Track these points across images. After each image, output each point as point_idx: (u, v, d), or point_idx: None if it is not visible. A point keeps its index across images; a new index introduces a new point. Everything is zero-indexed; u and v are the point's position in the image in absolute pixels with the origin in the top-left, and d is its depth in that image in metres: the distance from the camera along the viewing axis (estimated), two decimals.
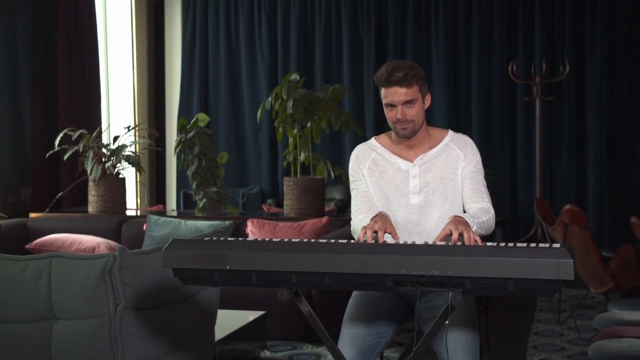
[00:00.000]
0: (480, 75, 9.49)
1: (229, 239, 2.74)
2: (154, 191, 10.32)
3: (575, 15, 9.28)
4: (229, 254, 2.61)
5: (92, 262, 3.25)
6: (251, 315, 5.03)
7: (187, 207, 9.44)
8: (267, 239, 2.73)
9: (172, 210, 9.70)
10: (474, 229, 2.85)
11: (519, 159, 9.51)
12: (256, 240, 2.71)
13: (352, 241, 2.70)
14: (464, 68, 9.59)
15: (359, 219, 3.11)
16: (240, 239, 2.74)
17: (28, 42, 7.58)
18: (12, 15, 7.54)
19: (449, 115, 9.49)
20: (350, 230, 3.24)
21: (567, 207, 5.75)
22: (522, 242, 2.53)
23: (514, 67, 9.17)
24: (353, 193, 3.23)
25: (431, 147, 3.18)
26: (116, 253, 3.25)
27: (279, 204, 8.96)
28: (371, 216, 3.04)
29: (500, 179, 9.41)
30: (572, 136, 9.32)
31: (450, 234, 2.73)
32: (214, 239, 2.73)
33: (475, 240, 2.69)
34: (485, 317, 3.27)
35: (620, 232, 8.98)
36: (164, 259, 2.67)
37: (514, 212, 9.53)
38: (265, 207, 8.19)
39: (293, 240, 2.68)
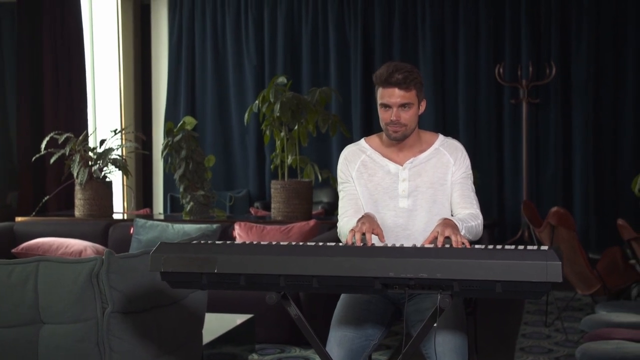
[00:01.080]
0: (466, 77, 9.51)
1: (217, 242, 2.72)
2: (141, 194, 10.30)
3: (561, 18, 9.31)
4: (217, 258, 2.60)
5: (80, 265, 3.23)
6: (239, 319, 5.01)
7: (174, 211, 9.42)
8: (255, 242, 2.72)
9: (159, 213, 9.68)
10: (462, 233, 2.86)
11: (506, 162, 9.53)
12: (244, 243, 2.70)
13: (340, 244, 2.70)
14: (451, 70, 9.61)
15: (345, 222, 3.11)
16: (228, 242, 2.73)
17: (13, 46, 7.55)
18: None
19: (436, 117, 9.51)
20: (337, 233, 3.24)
21: (554, 209, 5.77)
22: (510, 244, 2.52)
23: (501, 70, 9.19)
24: (341, 195, 3.23)
25: (421, 151, 3.17)
26: (103, 257, 3.24)
27: (267, 207, 8.95)
28: (357, 218, 3.04)
29: (487, 181, 9.43)
30: (559, 138, 9.35)
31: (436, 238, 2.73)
32: (202, 242, 2.72)
33: (463, 244, 2.69)
34: (474, 320, 3.28)
35: (606, 234, 9.01)
36: (151, 263, 2.66)
37: (501, 215, 9.55)
38: (252, 210, 8.18)
39: (281, 243, 2.68)
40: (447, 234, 2.71)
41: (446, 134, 3.31)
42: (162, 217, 7.76)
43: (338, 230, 3.19)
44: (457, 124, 9.55)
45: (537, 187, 9.43)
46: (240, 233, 6.09)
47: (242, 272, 2.60)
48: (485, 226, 9.07)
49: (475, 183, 3.30)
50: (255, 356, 5.21)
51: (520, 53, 9.41)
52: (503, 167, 9.56)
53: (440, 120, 9.55)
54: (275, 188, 6.60)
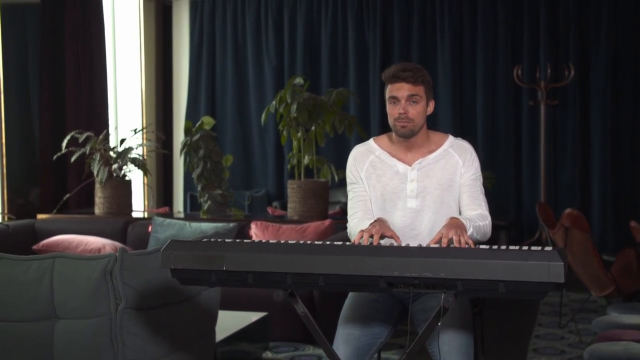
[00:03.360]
0: (485, 79, 9.52)
1: (227, 240, 2.78)
2: (162, 193, 10.39)
3: (580, 20, 9.30)
4: (226, 255, 2.66)
5: (94, 262, 3.30)
6: (253, 317, 5.07)
7: (193, 209, 9.50)
8: (264, 241, 2.77)
9: (179, 212, 9.77)
10: (469, 231, 2.89)
11: (524, 163, 9.53)
12: (253, 241, 2.76)
13: (348, 243, 2.74)
14: (469, 72, 9.63)
15: (355, 223, 3.15)
16: (237, 240, 2.78)
17: (37, 46, 7.66)
18: (22, 20, 7.64)
19: (454, 118, 9.52)
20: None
21: (568, 211, 5.78)
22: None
23: (519, 72, 9.19)
24: (350, 195, 3.26)
25: (430, 152, 3.19)
26: (117, 254, 3.30)
27: (285, 207, 9.01)
28: (367, 219, 3.09)
29: (504, 183, 9.43)
30: (577, 140, 9.34)
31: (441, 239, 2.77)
32: (212, 240, 2.78)
33: (467, 244, 2.73)
34: (481, 320, 3.31)
35: (624, 237, 8.98)
36: (162, 260, 2.72)
37: (518, 216, 9.54)
38: (270, 210, 8.24)
39: (289, 241, 2.72)
40: (451, 235, 2.75)
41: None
42: (181, 215, 7.84)
43: (348, 231, 3.22)
44: (475, 125, 9.56)
45: (554, 189, 9.42)
46: (256, 232, 6.15)
47: (250, 270, 2.65)
48: (502, 227, 9.15)
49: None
50: (269, 354, 5.26)
51: (538, 55, 9.41)
52: (521, 169, 9.56)
53: (458, 122, 9.56)
54: (292, 188, 6.66)
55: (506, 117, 9.53)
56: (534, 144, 9.41)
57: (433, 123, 9.40)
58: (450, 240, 2.75)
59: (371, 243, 2.83)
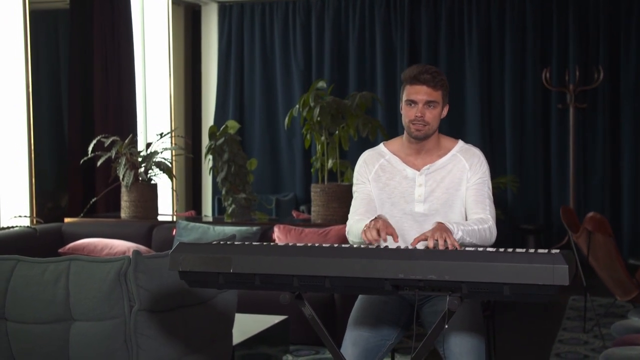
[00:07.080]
0: (513, 82, 9.46)
1: (235, 243, 2.80)
2: (190, 197, 10.47)
3: (609, 22, 9.21)
4: (233, 258, 2.68)
5: (108, 265, 3.34)
6: (274, 319, 5.09)
7: (221, 213, 9.55)
8: (272, 243, 2.79)
9: (206, 215, 9.83)
10: (458, 235, 2.87)
11: (553, 167, 9.45)
12: (260, 244, 2.77)
13: (355, 245, 2.75)
14: (497, 75, 9.57)
15: (356, 220, 3.14)
16: (245, 243, 2.81)
17: (67, 51, 7.75)
18: (52, 25, 7.74)
19: (482, 122, 9.46)
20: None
21: (590, 214, 5.74)
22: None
23: (547, 74, 9.11)
24: (354, 195, 3.28)
25: (439, 157, 3.20)
26: (131, 256, 3.34)
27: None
28: (368, 218, 3.08)
29: (533, 186, 9.37)
30: (607, 143, 9.24)
31: (426, 240, 2.76)
32: (221, 242, 2.80)
33: (454, 246, 2.71)
34: (492, 323, 3.30)
35: None
36: (170, 262, 2.74)
37: (547, 220, 9.46)
38: (294, 213, 8.27)
39: (297, 244, 2.74)
40: (436, 237, 2.74)
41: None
42: (209, 219, 7.89)
43: (347, 229, 3.21)
44: (504, 128, 9.50)
45: (584, 193, 9.33)
46: (279, 235, 6.17)
47: (257, 272, 2.67)
48: (531, 232, 9.08)
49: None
50: (289, 357, 5.28)
51: (567, 57, 9.33)
52: (550, 173, 9.48)
53: (486, 125, 9.50)
54: (315, 191, 6.68)
55: (535, 120, 9.46)
56: (563, 148, 9.33)
57: (461, 125, 9.37)
58: (437, 243, 2.73)
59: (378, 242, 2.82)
